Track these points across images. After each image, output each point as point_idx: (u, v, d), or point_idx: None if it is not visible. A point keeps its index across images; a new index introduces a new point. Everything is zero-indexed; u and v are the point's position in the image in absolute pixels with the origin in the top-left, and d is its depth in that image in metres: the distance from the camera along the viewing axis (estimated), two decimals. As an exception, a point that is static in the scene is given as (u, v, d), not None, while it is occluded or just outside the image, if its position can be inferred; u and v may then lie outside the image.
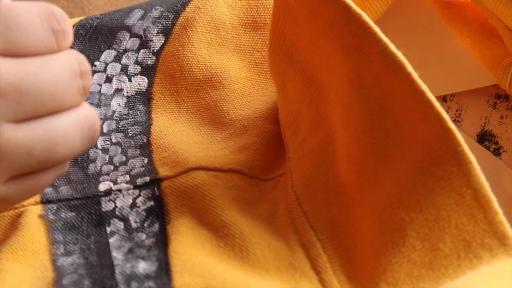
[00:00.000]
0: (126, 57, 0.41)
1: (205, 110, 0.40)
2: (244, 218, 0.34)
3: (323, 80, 0.33)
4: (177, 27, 0.42)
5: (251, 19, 0.42)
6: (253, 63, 0.41)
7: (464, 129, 0.43)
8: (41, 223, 0.35)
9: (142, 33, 0.42)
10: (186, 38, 0.41)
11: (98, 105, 0.40)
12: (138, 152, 0.38)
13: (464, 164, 0.29)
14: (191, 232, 0.33)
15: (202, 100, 0.40)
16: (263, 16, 0.42)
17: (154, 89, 0.41)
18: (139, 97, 0.41)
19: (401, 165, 0.30)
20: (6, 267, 0.33)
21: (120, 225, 0.35)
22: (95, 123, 0.30)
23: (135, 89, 0.41)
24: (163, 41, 0.42)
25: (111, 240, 0.34)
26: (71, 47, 0.42)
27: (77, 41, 0.42)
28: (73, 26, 0.43)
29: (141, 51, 0.42)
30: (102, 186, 0.37)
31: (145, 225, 0.35)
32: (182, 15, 0.42)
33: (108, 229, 0.35)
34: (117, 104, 0.40)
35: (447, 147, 0.29)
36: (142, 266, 0.32)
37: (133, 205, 0.36)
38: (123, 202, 0.36)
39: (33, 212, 0.36)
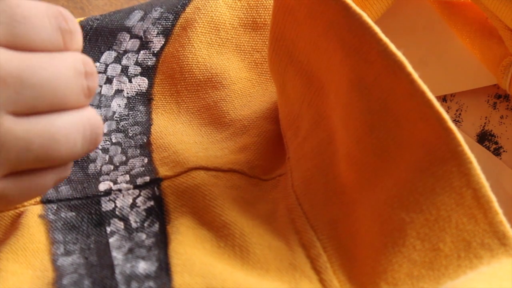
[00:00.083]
0: (126, 58, 0.41)
1: (205, 110, 0.40)
2: (244, 218, 0.34)
3: (323, 80, 0.33)
4: (177, 28, 0.42)
5: (251, 19, 0.42)
6: (253, 64, 0.41)
7: (464, 129, 0.42)
8: (41, 223, 0.35)
9: (142, 34, 0.42)
10: (186, 39, 0.41)
11: (98, 106, 0.40)
12: (138, 152, 0.38)
13: (464, 164, 0.29)
14: (191, 232, 0.33)
15: (202, 100, 0.40)
16: (263, 17, 0.42)
17: (154, 90, 0.41)
18: (139, 98, 0.41)
19: (401, 165, 0.30)
20: (6, 267, 0.33)
21: (120, 225, 0.35)
22: (99, 126, 0.30)
23: (135, 90, 0.41)
24: (163, 42, 0.42)
25: (111, 240, 0.34)
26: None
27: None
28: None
29: (141, 52, 0.42)
30: (102, 186, 0.37)
31: (145, 225, 0.35)
32: (182, 16, 0.42)
33: (108, 229, 0.35)
34: (117, 105, 0.40)
35: (447, 147, 0.29)
36: (142, 266, 0.32)
37: (133, 205, 0.36)
38: (123, 202, 0.36)
39: (33, 212, 0.36)
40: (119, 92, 0.41)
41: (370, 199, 0.31)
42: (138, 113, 0.40)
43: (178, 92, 0.41)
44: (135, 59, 0.42)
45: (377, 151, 0.30)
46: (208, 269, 0.31)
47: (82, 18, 0.43)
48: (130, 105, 0.40)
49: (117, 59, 0.42)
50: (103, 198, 0.36)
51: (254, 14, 0.42)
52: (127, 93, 0.41)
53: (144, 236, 0.34)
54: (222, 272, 0.31)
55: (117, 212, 0.36)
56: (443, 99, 0.43)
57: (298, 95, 0.35)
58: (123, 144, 0.39)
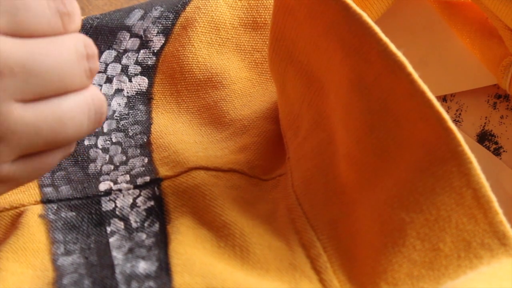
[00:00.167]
0: (126, 57, 0.41)
1: (205, 110, 0.40)
2: (244, 218, 0.34)
3: (323, 80, 0.33)
4: (177, 27, 0.42)
5: (251, 19, 0.42)
6: (253, 63, 0.41)
7: (464, 129, 0.42)
8: (41, 222, 0.35)
9: (142, 33, 0.42)
10: (186, 38, 0.41)
11: (98, 105, 0.40)
12: (138, 151, 0.38)
13: (464, 164, 0.29)
14: (191, 232, 0.33)
15: (202, 100, 0.40)
16: (263, 16, 0.42)
17: (155, 89, 0.41)
18: (139, 97, 0.41)
19: (401, 165, 0.30)
20: (6, 266, 0.33)
21: (120, 225, 0.35)
22: (102, 105, 0.30)
23: (136, 89, 0.41)
24: (163, 41, 0.42)
25: (111, 239, 0.34)
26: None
27: (77, 41, 0.42)
28: (73, 26, 0.43)
29: (141, 51, 0.42)
30: (102, 186, 0.37)
31: (145, 225, 0.35)
32: (182, 15, 0.42)
33: (108, 229, 0.35)
34: (118, 104, 0.40)
35: (447, 147, 0.29)
36: (142, 266, 0.32)
37: (133, 205, 0.36)
38: (123, 202, 0.36)
39: (33, 212, 0.36)
40: (119, 91, 0.41)
41: (370, 199, 0.31)
42: (138, 112, 0.40)
43: (178, 91, 0.41)
44: (135, 58, 0.42)
45: (377, 151, 0.30)
46: (208, 269, 0.31)
47: (82, 17, 0.43)
48: (130, 104, 0.40)
49: (117, 58, 0.42)
50: (103, 198, 0.36)
51: (254, 14, 0.42)
52: (127, 92, 0.41)
53: (144, 236, 0.34)
54: (222, 272, 0.31)
55: (117, 212, 0.36)
56: (443, 99, 0.43)
57: (298, 95, 0.35)
58: (123, 143, 0.39)
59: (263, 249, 0.32)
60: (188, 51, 0.41)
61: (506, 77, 0.40)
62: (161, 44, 0.42)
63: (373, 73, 0.30)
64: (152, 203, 0.35)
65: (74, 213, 0.36)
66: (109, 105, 0.40)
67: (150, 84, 0.41)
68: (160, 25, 0.42)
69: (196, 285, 0.31)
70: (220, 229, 0.33)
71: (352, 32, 0.30)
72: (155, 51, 0.42)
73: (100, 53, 0.42)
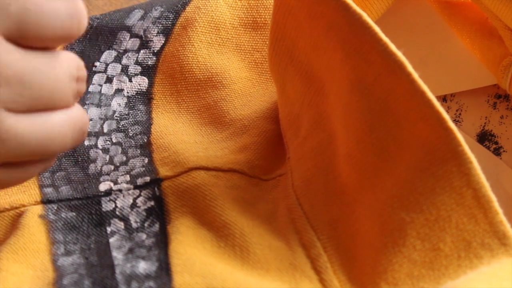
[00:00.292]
0: (126, 57, 0.41)
1: (206, 110, 0.40)
2: (244, 218, 0.34)
3: (323, 80, 0.33)
4: (177, 27, 0.42)
5: (251, 19, 0.42)
6: (253, 63, 0.41)
7: (464, 129, 0.43)
8: (42, 223, 0.35)
9: (142, 34, 0.42)
10: (186, 38, 0.41)
11: (98, 105, 0.40)
12: (139, 152, 0.38)
13: (465, 164, 0.29)
14: (192, 232, 0.33)
15: (202, 100, 0.40)
16: (263, 16, 0.42)
17: (155, 89, 0.41)
18: (139, 97, 0.41)
19: (401, 165, 0.30)
20: (6, 266, 0.33)
21: (121, 225, 0.35)
22: (85, 123, 0.31)
23: (136, 89, 0.41)
24: (163, 41, 0.42)
25: (111, 240, 0.34)
26: (72, 48, 0.42)
27: (77, 41, 0.42)
28: (73, 26, 0.43)
29: (142, 51, 0.42)
30: (103, 186, 0.37)
31: (146, 225, 0.35)
32: (182, 15, 0.42)
33: (109, 229, 0.35)
34: (118, 104, 0.40)
35: (447, 147, 0.29)
36: (143, 266, 0.32)
37: (133, 205, 0.36)
38: (123, 202, 0.36)
39: (33, 212, 0.36)
40: (119, 91, 0.41)
41: (370, 199, 0.31)
42: (138, 112, 0.40)
43: (178, 91, 0.41)
44: (135, 59, 0.42)
45: (377, 151, 0.30)
46: (208, 269, 0.31)
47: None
48: (130, 104, 0.40)
49: (117, 59, 0.42)
50: (103, 198, 0.36)
51: (254, 14, 0.42)
52: (127, 92, 0.41)
53: (144, 236, 0.34)
54: (222, 272, 0.31)
55: (117, 212, 0.36)
56: (443, 99, 0.43)
57: (298, 95, 0.35)
58: (123, 144, 0.39)
59: (263, 249, 0.32)
60: (188, 51, 0.41)
61: (506, 77, 0.40)
62: (161, 44, 0.42)
63: (373, 73, 0.30)
64: (152, 203, 0.35)
65: (74, 214, 0.36)
66: (109, 105, 0.40)
67: (150, 84, 0.41)
68: (160, 25, 0.42)
69: (196, 285, 0.31)
70: (220, 229, 0.33)
71: (352, 32, 0.30)
72: (155, 51, 0.42)
73: (100, 53, 0.42)
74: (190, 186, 0.35)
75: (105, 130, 0.39)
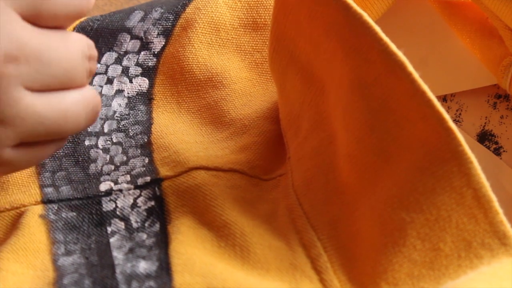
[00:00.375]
0: (127, 59, 0.42)
1: (206, 110, 0.40)
2: (244, 218, 0.34)
3: (323, 80, 0.33)
4: (177, 29, 0.42)
5: (251, 19, 0.42)
6: (253, 64, 0.41)
7: (464, 129, 0.43)
8: (42, 223, 0.35)
9: (142, 35, 0.42)
10: (187, 39, 0.41)
11: (98, 106, 0.40)
12: (139, 152, 0.38)
13: (465, 164, 0.29)
14: (192, 231, 0.33)
15: (202, 100, 0.40)
16: (263, 17, 0.42)
17: (155, 90, 0.41)
18: (140, 97, 0.41)
19: (401, 165, 0.30)
20: (6, 266, 0.33)
21: (121, 225, 0.35)
22: (98, 103, 0.32)
23: (136, 90, 0.41)
24: (163, 43, 0.42)
25: (111, 240, 0.34)
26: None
27: (77, 42, 0.42)
28: (74, 28, 0.43)
29: (142, 52, 0.42)
30: (103, 186, 0.37)
31: (146, 225, 0.35)
32: (182, 16, 0.42)
33: (109, 229, 0.35)
34: (118, 104, 0.40)
35: (447, 147, 0.29)
36: (143, 266, 0.32)
37: (134, 205, 0.36)
38: (124, 202, 0.36)
39: (33, 212, 0.36)
40: (119, 92, 0.41)
41: (371, 199, 0.31)
42: (139, 112, 0.40)
43: (179, 92, 0.41)
44: (135, 60, 0.42)
45: (377, 151, 0.30)
46: (209, 269, 0.31)
47: (82, 19, 0.43)
48: (131, 104, 0.40)
49: (118, 60, 0.42)
50: (104, 198, 0.36)
51: (254, 14, 0.42)
52: (128, 93, 0.41)
53: (144, 236, 0.34)
54: (223, 271, 0.31)
55: (117, 212, 0.36)
56: (443, 99, 0.43)
57: (299, 95, 0.35)
58: (123, 144, 0.39)
59: (263, 249, 0.32)
60: (189, 51, 0.41)
61: (506, 77, 0.40)
62: (162, 45, 0.42)
63: (373, 73, 0.30)
64: (152, 203, 0.36)
65: (74, 213, 0.36)
66: (110, 105, 0.40)
67: (151, 85, 0.41)
68: (161, 26, 0.42)
69: (196, 285, 0.31)
70: (220, 229, 0.33)
71: (352, 32, 0.30)
72: (156, 52, 0.42)
73: (101, 55, 0.42)
74: (191, 186, 0.35)
75: (106, 130, 0.39)
